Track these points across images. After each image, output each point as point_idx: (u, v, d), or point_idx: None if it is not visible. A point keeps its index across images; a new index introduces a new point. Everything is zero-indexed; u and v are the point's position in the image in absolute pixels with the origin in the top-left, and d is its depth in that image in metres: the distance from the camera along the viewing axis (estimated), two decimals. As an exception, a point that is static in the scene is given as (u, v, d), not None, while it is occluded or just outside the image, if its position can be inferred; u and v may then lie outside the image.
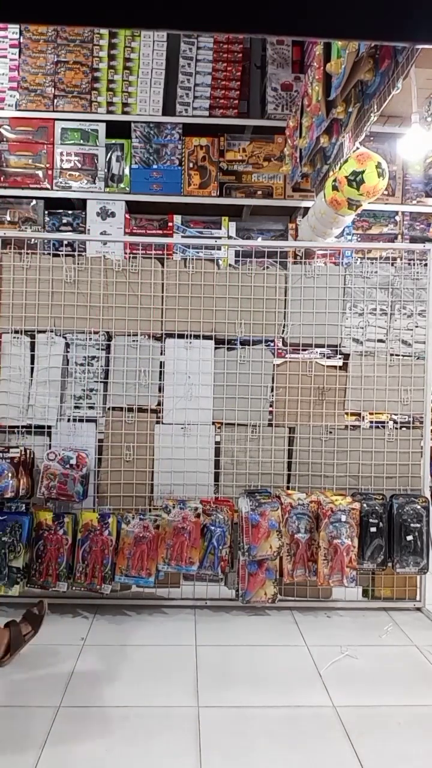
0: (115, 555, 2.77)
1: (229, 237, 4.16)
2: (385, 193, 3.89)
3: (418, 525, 2.82)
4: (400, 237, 4.26)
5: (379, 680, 2.30)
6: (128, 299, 2.99)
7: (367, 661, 2.45)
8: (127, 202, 4.17)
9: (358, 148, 2.93)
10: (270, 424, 3.01)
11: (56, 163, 4.12)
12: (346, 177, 3.04)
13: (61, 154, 4.12)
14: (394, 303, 3.04)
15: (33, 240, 3.49)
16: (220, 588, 2.90)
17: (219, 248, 3.97)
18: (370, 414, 3.12)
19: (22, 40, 4.12)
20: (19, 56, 4.13)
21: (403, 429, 3.05)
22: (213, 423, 3.00)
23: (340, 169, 3.07)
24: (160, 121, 4.15)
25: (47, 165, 4.12)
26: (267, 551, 2.71)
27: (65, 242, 3.32)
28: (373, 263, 3.06)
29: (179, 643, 2.57)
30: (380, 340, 3.04)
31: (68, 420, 2.97)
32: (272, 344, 3.06)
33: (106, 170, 4.15)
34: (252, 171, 4.22)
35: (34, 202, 4.14)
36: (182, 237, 4.10)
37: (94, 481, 2.95)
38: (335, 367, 3.05)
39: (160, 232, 4.18)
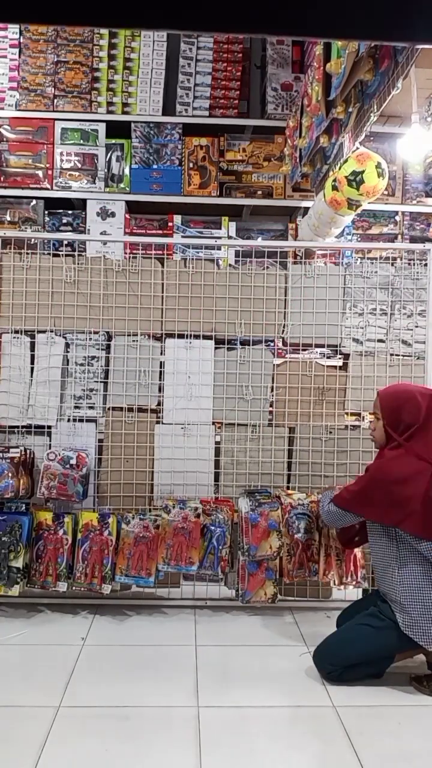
0: (115, 555, 2.77)
1: (229, 237, 4.16)
2: (385, 193, 3.88)
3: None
4: (400, 237, 4.26)
5: (378, 680, 2.30)
6: (128, 299, 2.99)
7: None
8: (127, 202, 4.16)
9: (357, 148, 2.93)
10: (270, 424, 3.01)
11: (56, 163, 4.12)
12: (346, 177, 3.04)
13: (61, 154, 4.12)
14: (394, 303, 3.04)
15: (33, 240, 3.48)
16: (220, 588, 2.90)
17: (219, 248, 3.96)
18: (371, 414, 3.11)
19: (22, 40, 4.12)
20: (19, 56, 4.12)
21: (403, 429, 3.04)
22: (213, 423, 3.00)
23: (339, 169, 3.07)
24: (160, 121, 4.15)
25: (47, 165, 4.12)
26: (267, 551, 2.71)
27: (65, 242, 3.31)
28: (373, 263, 3.06)
29: (179, 643, 2.57)
30: (380, 340, 3.04)
31: (68, 420, 2.97)
32: (272, 344, 3.06)
33: (106, 170, 4.15)
34: (252, 171, 4.21)
35: (34, 202, 4.13)
36: (182, 237, 4.10)
37: (94, 481, 2.95)
38: (335, 367, 3.05)
39: (160, 232, 4.17)
